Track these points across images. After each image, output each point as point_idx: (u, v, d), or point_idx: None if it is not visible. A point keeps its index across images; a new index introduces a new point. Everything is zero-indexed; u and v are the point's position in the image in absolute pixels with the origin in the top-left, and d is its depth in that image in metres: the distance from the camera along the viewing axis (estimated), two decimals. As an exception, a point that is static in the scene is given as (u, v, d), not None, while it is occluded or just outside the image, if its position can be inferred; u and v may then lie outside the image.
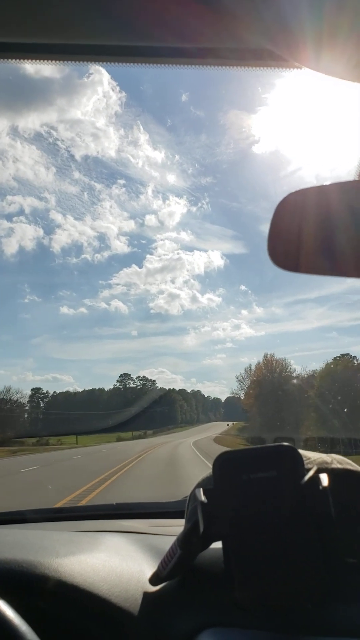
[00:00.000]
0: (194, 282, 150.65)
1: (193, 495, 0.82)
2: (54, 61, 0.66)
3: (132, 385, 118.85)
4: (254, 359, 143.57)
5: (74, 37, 0.62)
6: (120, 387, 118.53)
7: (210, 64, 0.65)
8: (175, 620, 0.80)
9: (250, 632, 0.76)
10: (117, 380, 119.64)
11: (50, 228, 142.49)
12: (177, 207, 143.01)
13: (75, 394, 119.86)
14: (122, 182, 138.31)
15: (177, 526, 1.08)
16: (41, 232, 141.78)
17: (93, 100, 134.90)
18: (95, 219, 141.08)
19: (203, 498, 0.75)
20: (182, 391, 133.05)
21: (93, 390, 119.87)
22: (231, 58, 0.64)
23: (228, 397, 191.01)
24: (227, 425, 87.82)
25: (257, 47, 0.61)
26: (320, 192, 0.55)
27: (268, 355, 48.78)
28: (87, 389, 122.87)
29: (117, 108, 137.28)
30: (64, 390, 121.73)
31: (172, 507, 1.60)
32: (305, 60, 0.58)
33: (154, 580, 0.84)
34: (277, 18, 0.53)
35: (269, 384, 43.46)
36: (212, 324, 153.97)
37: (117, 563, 0.89)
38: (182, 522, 0.88)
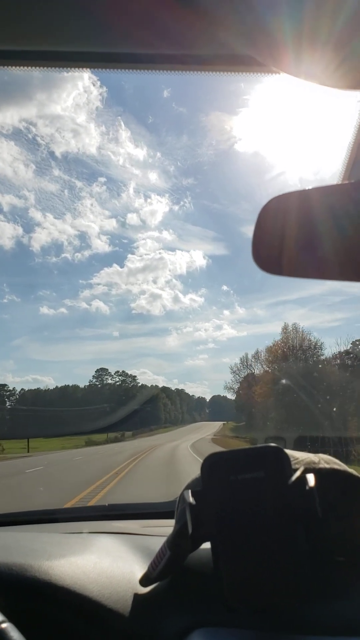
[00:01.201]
0: (176, 282, 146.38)
1: (182, 496, 0.82)
2: (37, 68, 0.68)
3: (109, 382, 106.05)
4: (236, 359, 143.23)
5: (55, 44, 0.62)
6: (97, 383, 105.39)
7: (193, 69, 0.65)
8: (166, 620, 0.80)
9: (240, 631, 0.77)
10: (93, 376, 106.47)
11: (29, 226, 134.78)
12: (159, 206, 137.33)
13: (46, 391, 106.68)
14: (102, 179, 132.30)
15: (168, 527, 1.02)
16: (20, 230, 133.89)
17: (73, 95, 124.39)
18: (75, 218, 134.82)
19: (191, 499, 0.76)
20: (166, 389, 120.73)
21: (66, 387, 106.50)
22: (213, 64, 0.64)
23: (214, 396, 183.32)
24: (223, 424, 79.56)
25: (239, 53, 0.62)
26: (303, 195, 0.55)
27: (290, 327, 36.20)
28: (59, 385, 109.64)
29: (98, 104, 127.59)
30: (35, 387, 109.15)
31: (163, 507, 1.57)
32: (285, 66, 0.59)
33: (144, 581, 0.85)
34: (257, 25, 0.54)
35: (302, 367, 31.05)
36: (194, 325, 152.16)
37: (107, 564, 0.89)
38: (173, 522, 0.88)
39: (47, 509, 1.66)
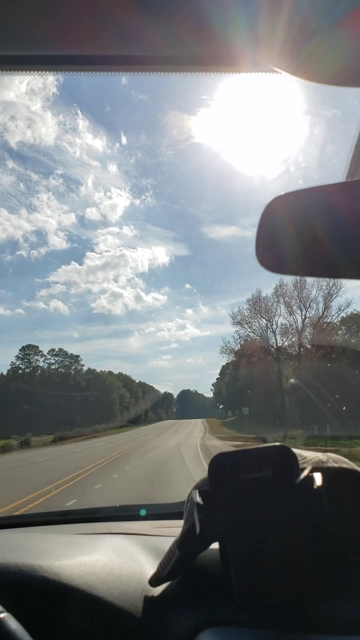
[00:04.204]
0: (137, 280, 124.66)
1: (190, 497, 0.82)
2: None
3: (41, 364, 74.92)
4: (200, 359, 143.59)
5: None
6: (22, 366, 74.04)
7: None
8: (176, 620, 0.81)
9: (249, 630, 0.77)
10: (17, 357, 74.72)
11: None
12: (120, 200, 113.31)
13: None
14: (59, 172, 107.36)
15: (179, 527, 1.04)
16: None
17: (27, 81, 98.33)
18: (31, 213, 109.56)
19: (199, 499, 0.76)
20: (124, 377, 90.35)
21: (-23, 373, 74.31)
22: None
23: (182, 391, 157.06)
24: (205, 421, 50.69)
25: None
26: (307, 194, 0.55)
27: None
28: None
29: (55, 90, 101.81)
30: None
31: (173, 508, 1.57)
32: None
33: (153, 581, 0.86)
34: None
35: None
36: (157, 325, 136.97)
37: (117, 565, 0.90)
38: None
39: (59, 510, 1.68)
